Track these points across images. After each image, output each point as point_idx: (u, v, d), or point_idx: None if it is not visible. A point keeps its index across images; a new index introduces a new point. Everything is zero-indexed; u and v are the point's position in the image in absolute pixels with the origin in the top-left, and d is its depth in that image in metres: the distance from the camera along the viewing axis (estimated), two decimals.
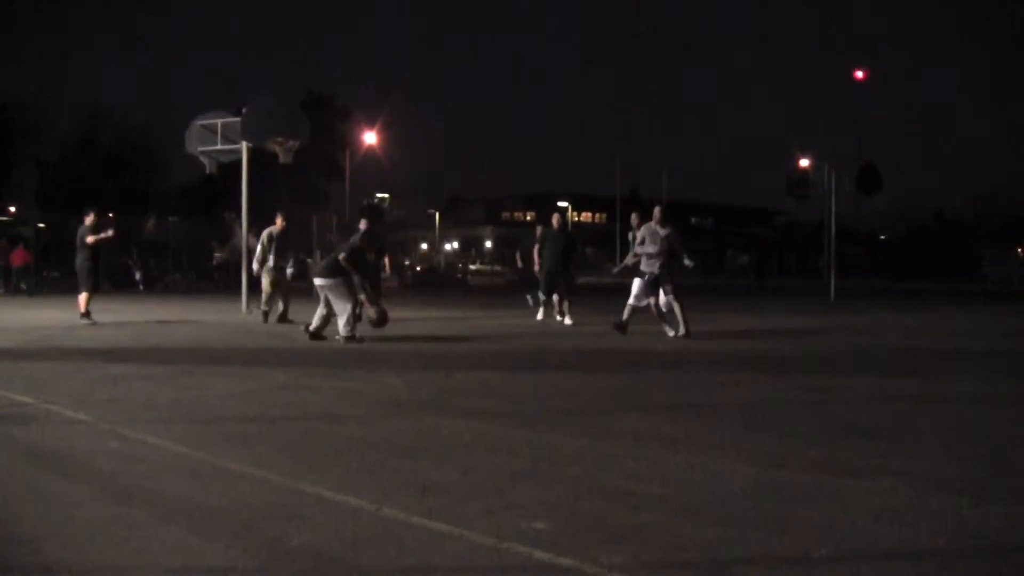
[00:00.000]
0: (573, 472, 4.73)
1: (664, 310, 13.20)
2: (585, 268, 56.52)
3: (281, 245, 15.77)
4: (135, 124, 61.58)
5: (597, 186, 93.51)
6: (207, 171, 21.65)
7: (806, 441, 5.55)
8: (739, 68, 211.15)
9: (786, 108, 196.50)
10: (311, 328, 12.33)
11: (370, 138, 52.79)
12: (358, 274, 12.27)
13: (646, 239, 13.11)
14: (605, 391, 8.01)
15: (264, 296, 15.76)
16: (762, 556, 3.44)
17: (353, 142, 55.13)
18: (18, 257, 30.05)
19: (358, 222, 14.19)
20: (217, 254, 44.14)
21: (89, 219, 15.95)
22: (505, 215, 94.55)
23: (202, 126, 20.51)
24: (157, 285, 37.37)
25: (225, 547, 3.53)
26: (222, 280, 38.33)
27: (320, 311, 12.35)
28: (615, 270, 14.84)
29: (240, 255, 20.69)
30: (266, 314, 15.60)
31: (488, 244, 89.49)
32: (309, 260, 38.93)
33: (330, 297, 12.15)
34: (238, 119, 19.43)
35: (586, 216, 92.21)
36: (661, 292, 13.04)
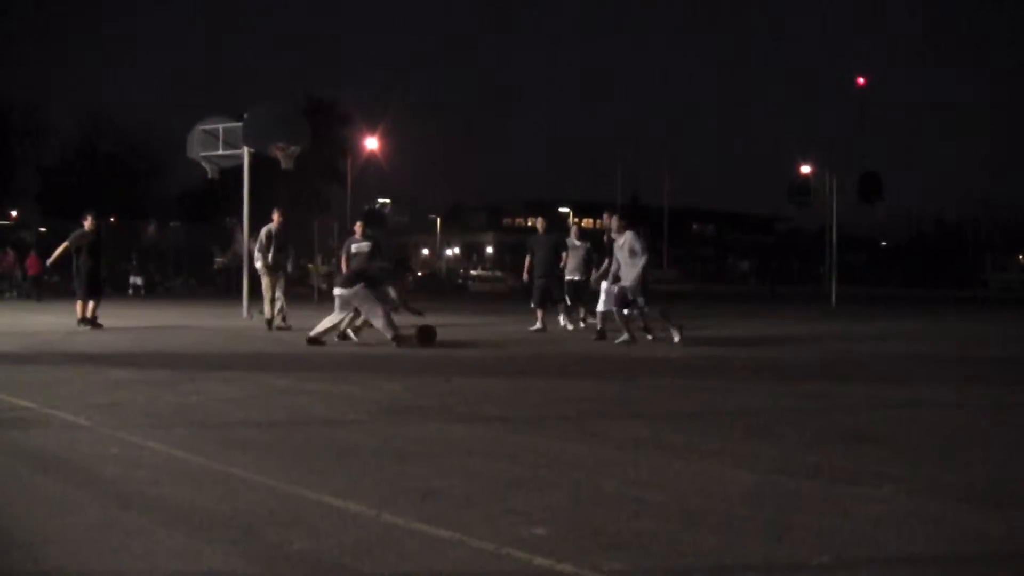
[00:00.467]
0: (573, 478, 4.72)
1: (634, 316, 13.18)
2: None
3: (280, 242, 15.56)
4: (136, 129, 61.68)
5: (598, 192, 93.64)
6: (208, 176, 21.69)
7: (806, 448, 5.55)
8: (740, 74, 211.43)
9: (787, 115, 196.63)
10: (311, 334, 12.34)
11: (371, 144, 52.86)
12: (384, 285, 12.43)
13: (627, 247, 13.09)
14: (605, 397, 8.01)
15: (266, 299, 15.52)
16: (762, 563, 3.44)
17: (354, 148, 55.21)
18: (32, 264, 30.02)
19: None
20: (218, 259, 44.20)
21: (88, 223, 15.96)
22: (507, 221, 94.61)
23: (204, 131, 20.56)
24: (158, 290, 37.41)
25: (225, 552, 3.53)
26: (223, 285, 38.37)
27: (329, 319, 12.34)
28: (593, 279, 14.80)
29: (241, 260, 20.73)
30: (269, 322, 15.36)
31: (489, 250, 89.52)
32: (310, 266, 39.01)
33: (358, 307, 12.23)
34: (240, 124, 19.48)
35: (587, 222, 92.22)
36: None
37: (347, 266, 15.31)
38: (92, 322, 15.54)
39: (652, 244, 13.43)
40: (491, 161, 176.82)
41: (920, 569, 3.44)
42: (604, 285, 13.42)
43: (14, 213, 52.78)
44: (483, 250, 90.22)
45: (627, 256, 12.91)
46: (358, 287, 12.19)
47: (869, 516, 4.03)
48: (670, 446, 5.62)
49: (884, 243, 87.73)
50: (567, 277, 15.79)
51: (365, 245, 15.53)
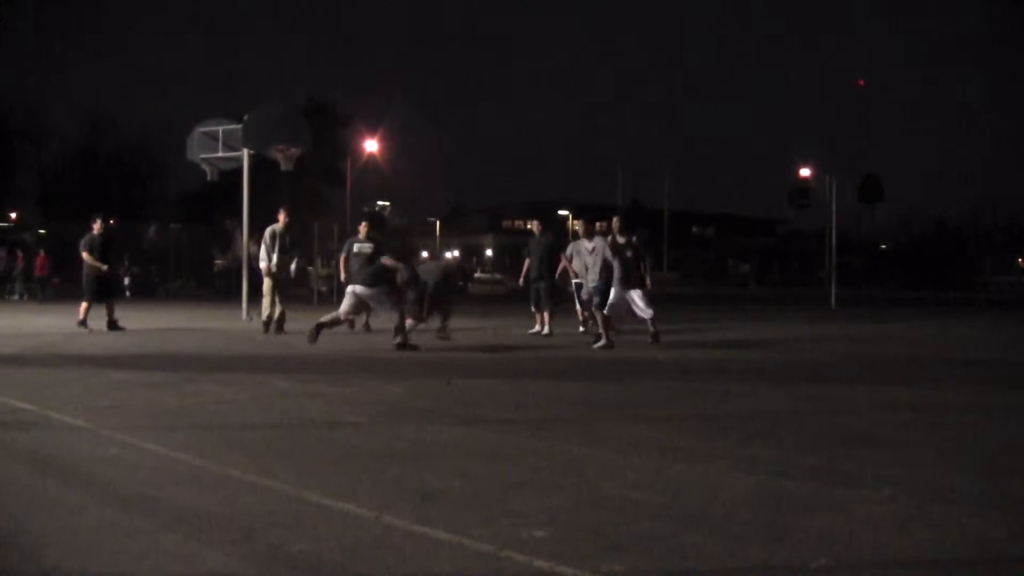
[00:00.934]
0: (573, 481, 4.73)
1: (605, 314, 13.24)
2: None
3: (285, 244, 15.20)
4: (136, 131, 61.73)
5: (599, 195, 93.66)
6: (208, 178, 21.67)
7: (806, 450, 5.55)
8: (740, 76, 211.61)
9: (788, 117, 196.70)
10: (320, 320, 12.26)
11: (371, 146, 52.88)
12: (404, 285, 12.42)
13: (600, 252, 13.35)
14: (605, 400, 8.01)
15: (265, 303, 15.18)
16: (762, 565, 3.44)
17: (354, 150, 55.21)
18: (40, 265, 29.94)
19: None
20: (218, 261, 44.18)
21: (96, 226, 15.90)
22: (506, 223, 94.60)
23: (203, 133, 20.54)
24: (158, 292, 37.42)
25: (225, 554, 3.53)
26: (223, 287, 38.37)
27: (337, 312, 12.33)
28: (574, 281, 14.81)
29: (241, 262, 20.72)
30: (266, 325, 15.01)
31: (489, 252, 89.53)
32: (310, 268, 39.00)
33: (374, 306, 12.22)
34: (239, 126, 19.46)
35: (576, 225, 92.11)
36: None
37: (346, 266, 15.26)
38: (112, 325, 15.48)
39: (637, 248, 13.50)
40: (491, 163, 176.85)
41: (920, 572, 3.44)
42: (634, 293, 13.39)
43: (13, 215, 52.79)
44: (482, 252, 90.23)
45: (599, 260, 13.31)
46: (380, 288, 12.11)
47: (869, 519, 4.03)
48: (670, 448, 5.62)
49: (884, 245, 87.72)
50: (575, 281, 15.50)
51: (368, 246, 15.36)
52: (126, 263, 37.30)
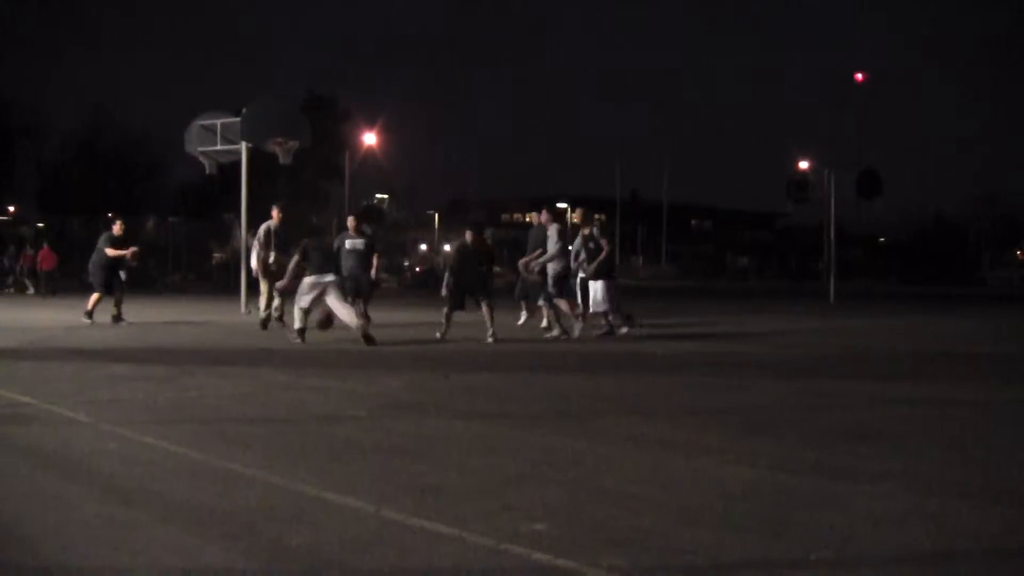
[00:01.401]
0: (572, 475, 4.73)
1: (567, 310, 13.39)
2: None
3: (281, 241, 14.89)
4: (136, 125, 61.64)
5: (598, 188, 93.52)
6: (207, 172, 21.64)
7: (805, 444, 5.56)
8: (739, 69, 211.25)
9: (787, 111, 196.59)
10: (317, 321, 12.29)
11: (370, 139, 52.84)
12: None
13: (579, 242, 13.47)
14: (604, 394, 8.02)
15: (263, 300, 14.85)
16: (761, 559, 3.45)
17: (353, 143, 55.17)
18: (46, 258, 29.68)
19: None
20: (216, 255, 44.16)
21: (117, 228, 15.92)
22: (505, 217, 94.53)
23: (202, 126, 20.52)
24: (156, 285, 37.40)
25: (224, 548, 3.53)
26: (221, 281, 38.34)
27: (343, 312, 12.27)
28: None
29: (239, 256, 20.71)
30: (264, 322, 14.61)
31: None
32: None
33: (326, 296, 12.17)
34: (238, 119, 19.44)
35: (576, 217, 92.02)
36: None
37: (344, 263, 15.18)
38: (117, 318, 15.53)
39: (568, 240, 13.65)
40: (490, 156, 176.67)
41: (919, 566, 3.44)
42: (595, 284, 13.43)
43: (12, 209, 52.75)
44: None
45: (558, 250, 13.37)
46: (336, 279, 12.18)
47: (868, 513, 4.04)
48: (669, 442, 5.63)
49: (883, 239, 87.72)
50: (580, 275, 15.42)
51: (360, 243, 15.19)
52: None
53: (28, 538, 3.64)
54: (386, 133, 57.61)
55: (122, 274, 15.89)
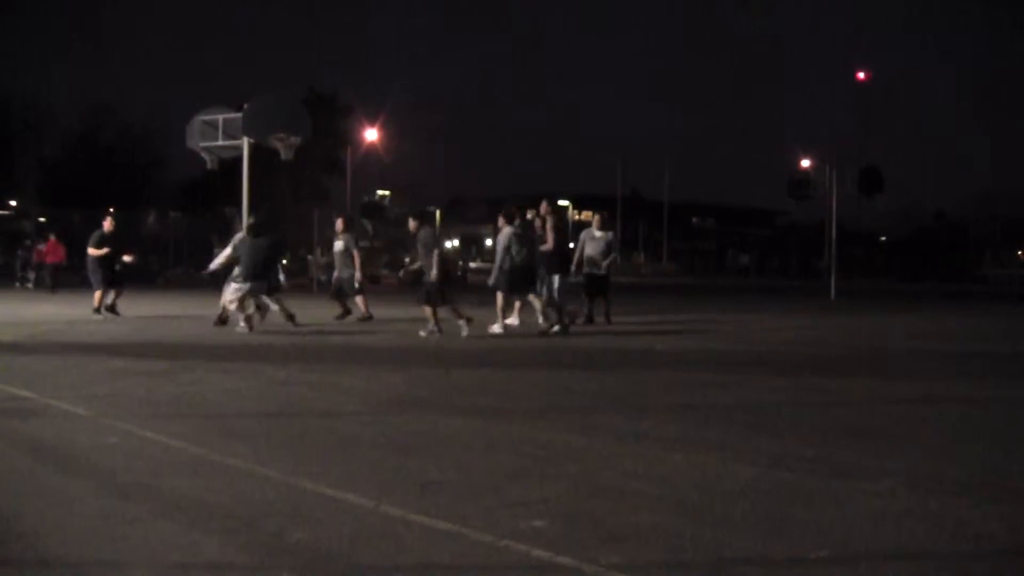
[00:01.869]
0: (572, 471, 4.73)
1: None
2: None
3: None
4: (136, 119, 61.56)
5: (599, 186, 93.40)
6: (208, 167, 21.61)
7: (805, 442, 5.55)
8: (741, 67, 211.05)
9: (788, 108, 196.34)
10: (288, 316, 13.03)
11: (371, 135, 52.77)
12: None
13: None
14: (604, 390, 8.01)
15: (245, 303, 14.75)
16: (760, 557, 3.45)
17: (354, 139, 55.10)
18: (53, 252, 29.27)
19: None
20: (217, 249, 44.09)
21: (107, 224, 16.02)
22: None
23: (203, 121, 20.47)
24: (157, 280, 37.39)
25: (224, 543, 3.53)
26: (222, 275, 38.28)
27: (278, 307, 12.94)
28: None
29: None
30: (249, 319, 13.87)
31: (489, 242, 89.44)
32: (310, 257, 38.97)
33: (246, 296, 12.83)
34: (239, 115, 19.41)
35: (587, 215, 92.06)
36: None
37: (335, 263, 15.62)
38: (111, 310, 15.60)
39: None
40: (492, 153, 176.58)
41: (918, 564, 3.44)
42: (557, 279, 13.57)
43: (13, 203, 52.72)
44: (482, 242, 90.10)
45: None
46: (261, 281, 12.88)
47: (868, 511, 4.04)
48: (669, 439, 5.62)
49: (884, 238, 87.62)
50: (584, 270, 15.40)
51: (339, 243, 15.56)
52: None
53: (28, 532, 3.64)
54: (387, 130, 57.58)
55: (117, 267, 15.92)
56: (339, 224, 16.40)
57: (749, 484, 4.49)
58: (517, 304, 14.46)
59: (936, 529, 3.80)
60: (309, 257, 39.21)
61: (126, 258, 15.81)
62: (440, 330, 12.47)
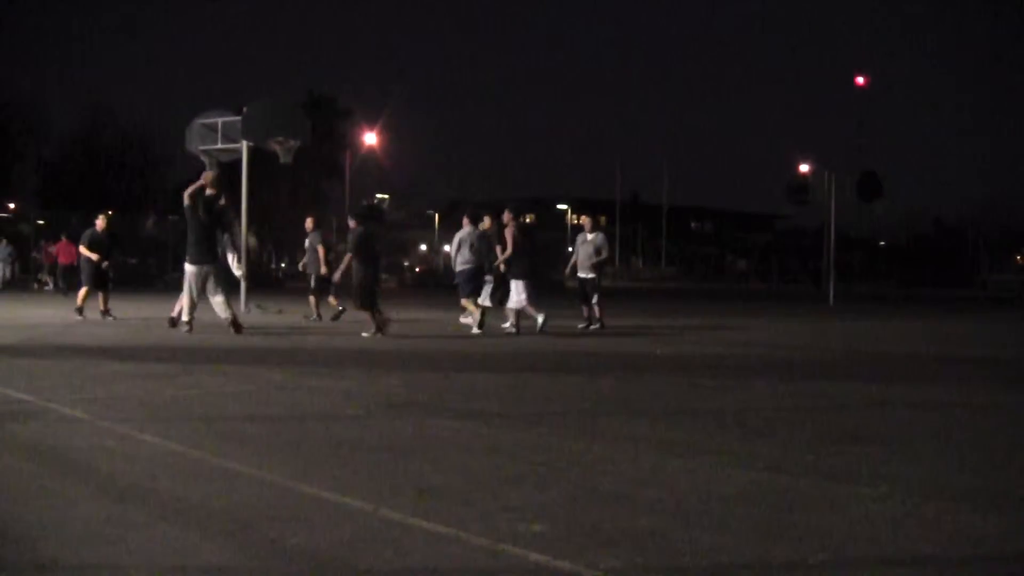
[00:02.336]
0: (570, 475, 4.73)
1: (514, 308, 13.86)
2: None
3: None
4: (136, 122, 61.59)
5: (598, 190, 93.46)
6: (207, 170, 21.62)
7: (803, 447, 5.55)
8: (740, 71, 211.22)
9: (787, 113, 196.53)
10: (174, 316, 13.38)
11: (370, 139, 52.82)
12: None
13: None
14: (603, 394, 8.02)
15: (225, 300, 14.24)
16: (758, 562, 3.44)
17: (353, 142, 55.17)
18: (64, 252, 28.69)
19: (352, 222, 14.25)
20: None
21: (99, 223, 16.05)
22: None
23: (203, 125, 20.53)
24: (156, 283, 37.37)
25: (222, 547, 3.53)
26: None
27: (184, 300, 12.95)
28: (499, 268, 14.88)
29: (240, 254, 20.70)
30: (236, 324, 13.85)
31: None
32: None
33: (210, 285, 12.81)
34: (239, 118, 19.45)
35: (585, 219, 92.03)
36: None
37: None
38: (105, 312, 15.64)
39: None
40: (490, 157, 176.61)
41: (917, 569, 3.44)
42: (516, 284, 13.87)
43: (12, 206, 52.74)
44: None
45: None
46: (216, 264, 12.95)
47: (866, 515, 4.03)
48: (667, 444, 5.62)
49: (883, 243, 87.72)
50: (579, 274, 15.40)
51: (308, 241, 16.21)
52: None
53: (26, 535, 3.63)
54: (386, 133, 57.62)
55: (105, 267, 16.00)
56: (308, 223, 16.79)
57: (747, 489, 4.49)
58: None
59: (934, 534, 3.80)
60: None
61: (103, 264, 15.80)
62: (381, 330, 12.87)
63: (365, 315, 13.04)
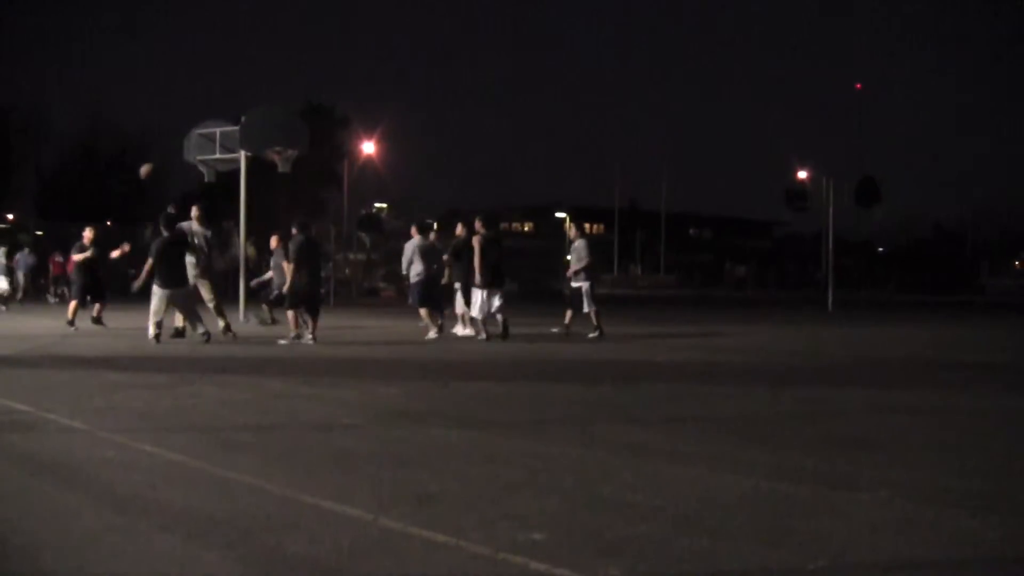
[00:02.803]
0: (569, 483, 4.73)
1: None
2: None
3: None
4: (134, 131, 61.57)
5: (596, 197, 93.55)
6: (205, 180, 21.65)
7: (803, 453, 5.55)
8: (738, 78, 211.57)
9: (786, 119, 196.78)
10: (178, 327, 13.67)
11: (369, 148, 52.81)
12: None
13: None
14: (602, 402, 8.01)
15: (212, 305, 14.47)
16: (758, 568, 3.44)
17: (352, 151, 55.15)
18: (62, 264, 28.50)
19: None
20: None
21: (87, 235, 16.10)
22: (504, 226, 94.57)
23: (200, 135, 20.53)
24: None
25: (222, 556, 3.53)
26: (220, 288, 38.17)
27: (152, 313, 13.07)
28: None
29: (238, 263, 20.71)
30: (228, 328, 14.09)
31: None
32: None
33: (181, 303, 13.19)
34: (237, 128, 19.46)
35: (571, 228, 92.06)
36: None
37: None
38: (96, 321, 15.72)
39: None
40: (488, 165, 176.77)
41: (917, 574, 3.44)
42: (480, 294, 14.05)
43: (11, 216, 52.71)
44: None
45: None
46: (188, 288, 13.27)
47: (866, 521, 4.03)
48: (667, 451, 5.62)
49: (881, 248, 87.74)
50: (586, 284, 15.31)
51: (271, 260, 16.69)
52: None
53: (25, 547, 3.63)
54: (385, 142, 57.67)
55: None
56: (273, 241, 17.09)
57: (747, 495, 4.49)
58: (446, 314, 15.24)
59: (934, 539, 3.80)
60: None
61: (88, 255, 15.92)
62: (305, 337, 13.09)
63: (288, 318, 13.35)
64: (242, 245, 20.17)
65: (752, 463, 5.22)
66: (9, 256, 26.14)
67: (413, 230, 15.07)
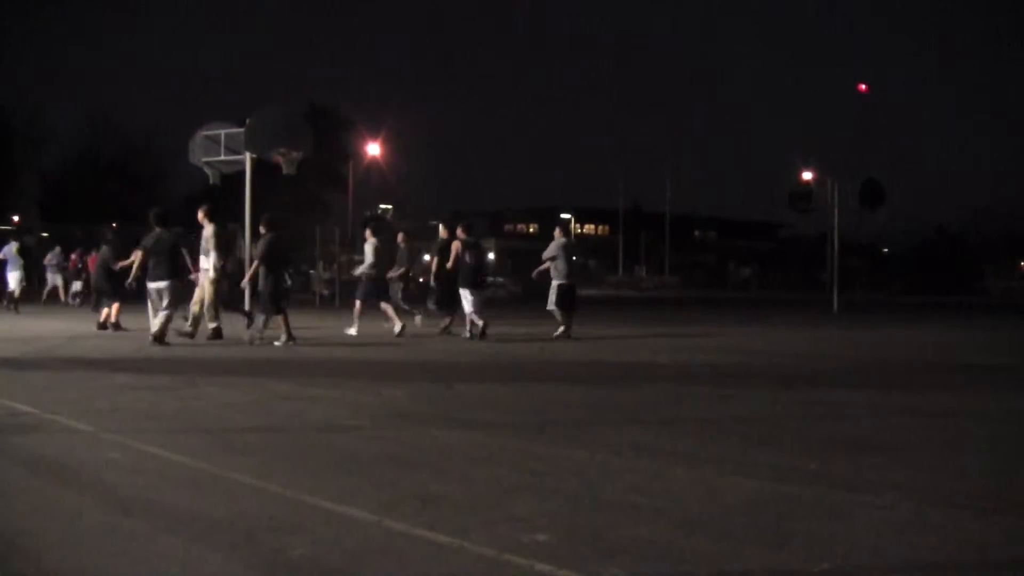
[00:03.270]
0: (573, 485, 4.73)
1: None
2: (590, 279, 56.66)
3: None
4: (139, 133, 61.65)
5: (600, 199, 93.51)
6: (210, 182, 21.67)
7: (807, 455, 5.55)
8: (742, 79, 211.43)
9: (790, 121, 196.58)
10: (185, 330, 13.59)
11: (373, 149, 52.88)
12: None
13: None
14: (605, 404, 8.01)
15: (206, 304, 14.41)
16: (762, 570, 3.44)
17: (356, 153, 55.22)
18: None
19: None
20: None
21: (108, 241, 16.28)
22: (508, 227, 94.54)
23: (205, 137, 20.54)
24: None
25: (225, 558, 3.53)
26: (225, 291, 38.23)
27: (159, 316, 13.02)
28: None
29: (243, 266, 20.74)
30: (219, 332, 14.10)
31: (491, 256, 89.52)
32: (312, 272, 38.97)
33: (164, 297, 13.02)
34: (241, 130, 19.48)
35: (589, 228, 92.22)
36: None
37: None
38: (115, 325, 15.71)
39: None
40: (493, 167, 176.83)
41: None
42: (463, 292, 14.52)
43: (16, 218, 52.81)
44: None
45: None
46: (174, 280, 13.24)
47: (870, 523, 4.03)
48: (670, 452, 5.62)
49: (886, 250, 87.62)
50: (555, 281, 15.40)
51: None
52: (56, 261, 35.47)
53: (30, 548, 3.64)
54: (389, 143, 57.66)
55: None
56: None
57: (750, 497, 4.49)
58: (387, 309, 15.44)
59: (938, 541, 3.79)
60: (312, 272, 39.24)
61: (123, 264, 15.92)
62: (293, 338, 13.09)
63: (279, 323, 13.28)
64: (247, 247, 20.17)
65: (755, 465, 5.22)
66: (23, 253, 25.54)
67: (368, 233, 15.94)
